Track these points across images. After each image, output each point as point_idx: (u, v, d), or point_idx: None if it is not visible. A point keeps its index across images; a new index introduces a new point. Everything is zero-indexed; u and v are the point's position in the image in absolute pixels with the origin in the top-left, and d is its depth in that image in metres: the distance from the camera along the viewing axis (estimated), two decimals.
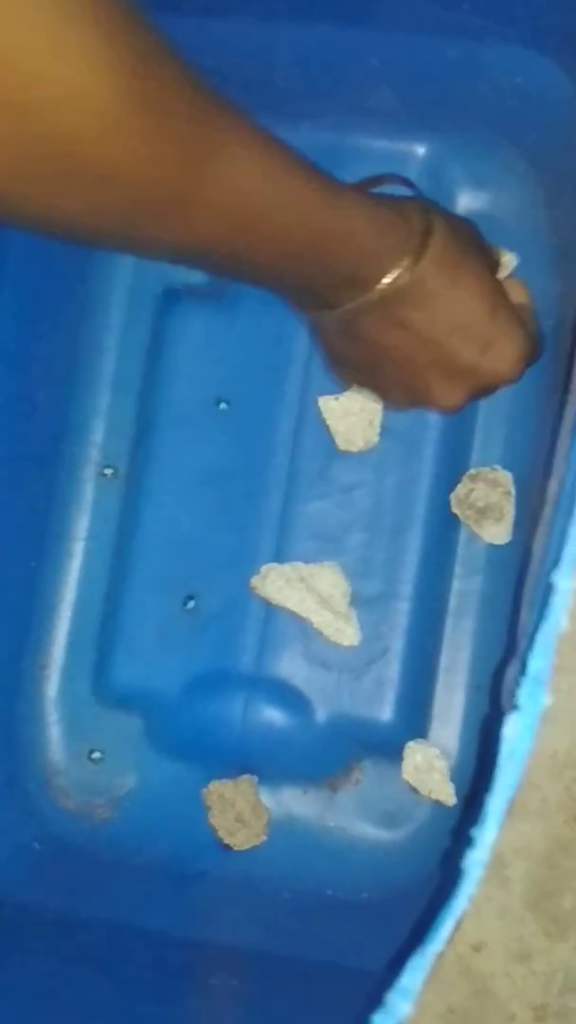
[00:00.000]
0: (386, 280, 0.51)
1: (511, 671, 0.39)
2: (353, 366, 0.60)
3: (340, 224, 0.49)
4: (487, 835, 0.29)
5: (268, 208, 0.46)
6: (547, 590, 0.32)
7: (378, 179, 0.57)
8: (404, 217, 0.52)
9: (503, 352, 0.56)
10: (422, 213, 0.53)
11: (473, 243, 0.56)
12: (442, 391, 0.57)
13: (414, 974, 0.30)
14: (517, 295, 0.58)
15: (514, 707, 0.30)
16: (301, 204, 0.47)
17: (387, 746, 0.65)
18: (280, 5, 0.58)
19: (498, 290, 0.56)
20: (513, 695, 0.30)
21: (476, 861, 0.29)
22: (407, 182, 0.58)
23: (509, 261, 0.61)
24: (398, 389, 0.59)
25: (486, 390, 0.58)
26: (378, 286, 0.52)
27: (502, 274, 0.59)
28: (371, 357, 0.57)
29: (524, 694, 0.30)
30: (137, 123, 0.38)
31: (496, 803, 0.28)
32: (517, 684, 0.30)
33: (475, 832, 0.29)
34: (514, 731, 0.30)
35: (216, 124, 0.42)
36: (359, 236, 0.50)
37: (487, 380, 0.57)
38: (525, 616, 0.46)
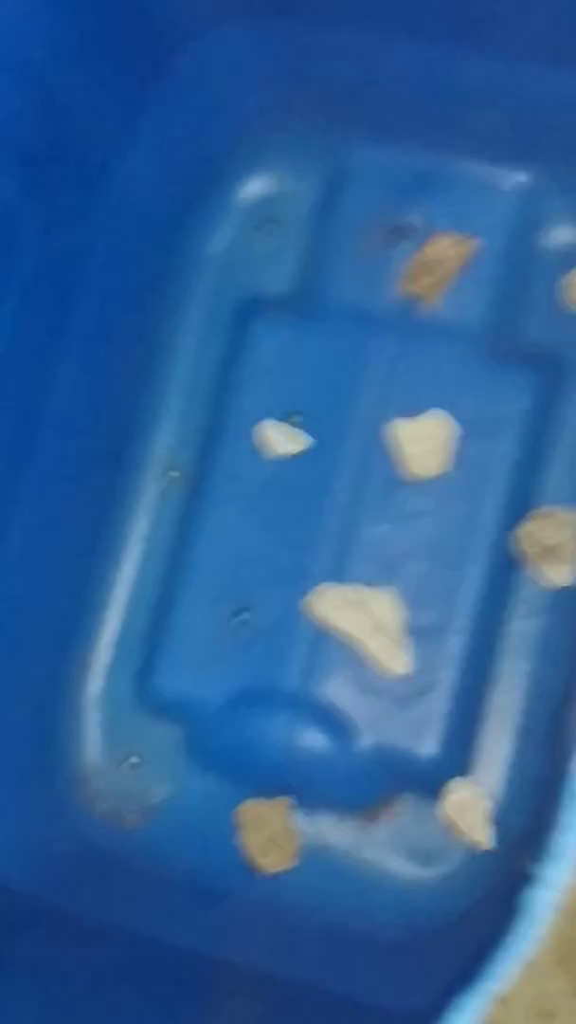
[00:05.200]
0: None
1: None
2: None
3: None
4: (559, 875, 0.27)
5: None
6: None
7: None
8: None
9: None
10: None
11: None
12: None
13: (468, 1014, 0.29)
14: None
15: None
16: None
17: (428, 781, 0.64)
18: (397, 20, 0.57)
19: None
20: None
21: (547, 902, 0.28)
22: None
23: None
24: None
25: None
26: None
27: None
28: None
29: None
30: None
31: (565, 844, 0.27)
32: None
33: (548, 871, 0.27)
34: None
35: None
36: None
37: None
38: None
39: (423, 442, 0.65)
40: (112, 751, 0.68)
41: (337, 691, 0.65)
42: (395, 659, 0.64)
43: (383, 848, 0.65)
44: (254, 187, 0.70)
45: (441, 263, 0.65)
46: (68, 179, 0.60)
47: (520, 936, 0.28)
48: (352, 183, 0.67)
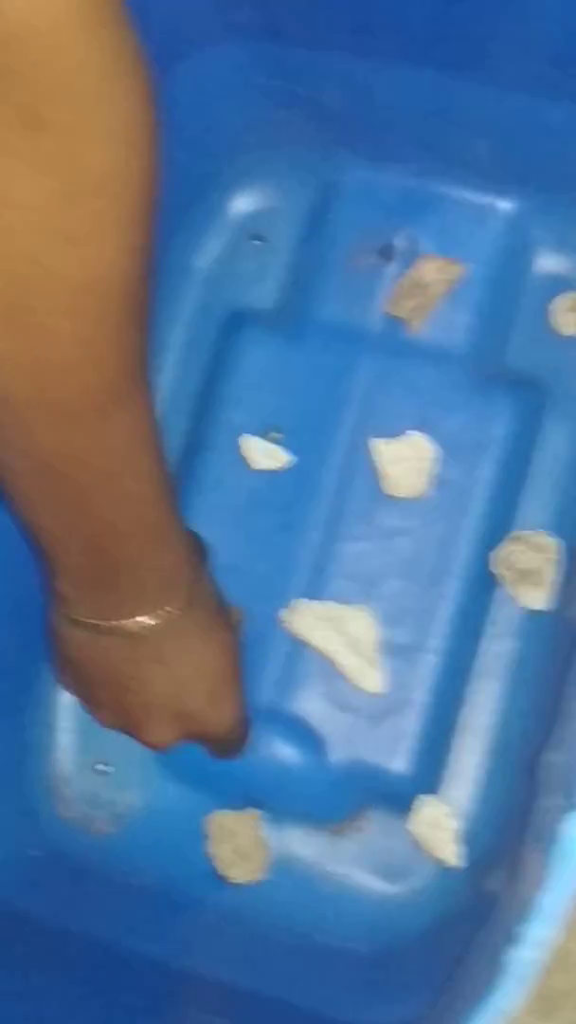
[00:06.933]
0: (160, 612, 0.55)
1: (560, 757, 0.38)
2: (78, 675, 0.62)
3: (167, 528, 0.53)
4: (543, 934, 0.28)
5: (137, 466, 0.48)
6: None
7: None
8: (192, 566, 0.57)
9: (226, 707, 0.60)
10: (200, 573, 0.57)
11: (224, 614, 0.60)
12: (155, 728, 0.60)
13: None
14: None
15: (574, 805, 0.29)
16: (154, 488, 0.50)
17: (396, 798, 0.65)
18: (389, 47, 0.58)
19: (236, 660, 0.61)
20: (572, 791, 0.29)
21: (531, 961, 0.28)
22: None
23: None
24: (113, 711, 0.61)
25: (194, 738, 0.61)
26: (152, 615, 0.54)
27: None
28: (101, 675, 0.59)
29: None
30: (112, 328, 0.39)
31: (550, 903, 0.28)
32: None
33: (532, 930, 0.28)
34: (573, 830, 0.29)
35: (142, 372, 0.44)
36: (168, 549, 0.54)
37: (201, 729, 0.60)
38: None
39: (402, 463, 0.65)
40: (82, 757, 0.68)
41: (310, 705, 0.65)
42: (367, 678, 0.64)
43: (351, 863, 0.65)
44: (243, 203, 0.70)
45: (426, 287, 0.65)
46: None
47: (503, 994, 0.29)
48: (340, 203, 0.67)
